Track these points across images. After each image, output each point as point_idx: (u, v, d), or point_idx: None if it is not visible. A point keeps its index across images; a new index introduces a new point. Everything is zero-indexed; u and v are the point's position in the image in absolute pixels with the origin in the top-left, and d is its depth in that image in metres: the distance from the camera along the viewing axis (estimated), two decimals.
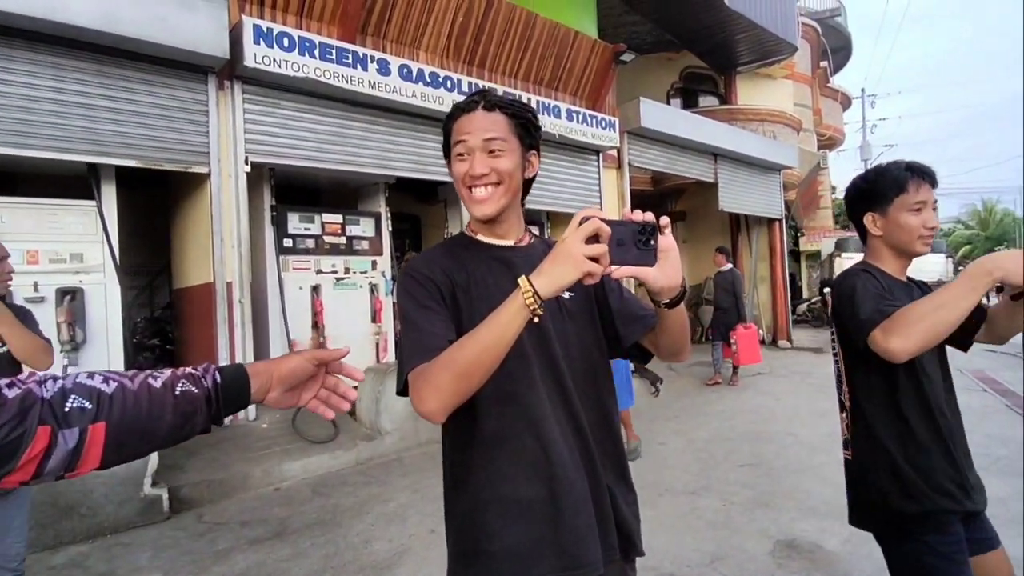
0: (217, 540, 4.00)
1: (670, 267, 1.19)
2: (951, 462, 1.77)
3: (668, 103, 14.70)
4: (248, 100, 5.93)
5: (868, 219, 1.90)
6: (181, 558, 3.77)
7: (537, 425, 1.35)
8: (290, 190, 7.05)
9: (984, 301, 1.72)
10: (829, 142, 24.29)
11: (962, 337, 1.84)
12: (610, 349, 1.50)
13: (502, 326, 1.14)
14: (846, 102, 27.44)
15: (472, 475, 1.38)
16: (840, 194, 34.29)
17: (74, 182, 5.49)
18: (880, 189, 1.87)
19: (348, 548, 3.85)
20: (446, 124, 1.45)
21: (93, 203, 5.32)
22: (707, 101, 15.99)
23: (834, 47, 23.14)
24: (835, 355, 1.96)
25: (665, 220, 1.17)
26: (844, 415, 1.94)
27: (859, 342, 1.70)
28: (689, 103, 15.71)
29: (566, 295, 1.41)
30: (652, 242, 1.15)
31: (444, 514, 1.44)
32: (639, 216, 1.15)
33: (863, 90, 34.02)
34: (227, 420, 5.57)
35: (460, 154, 1.40)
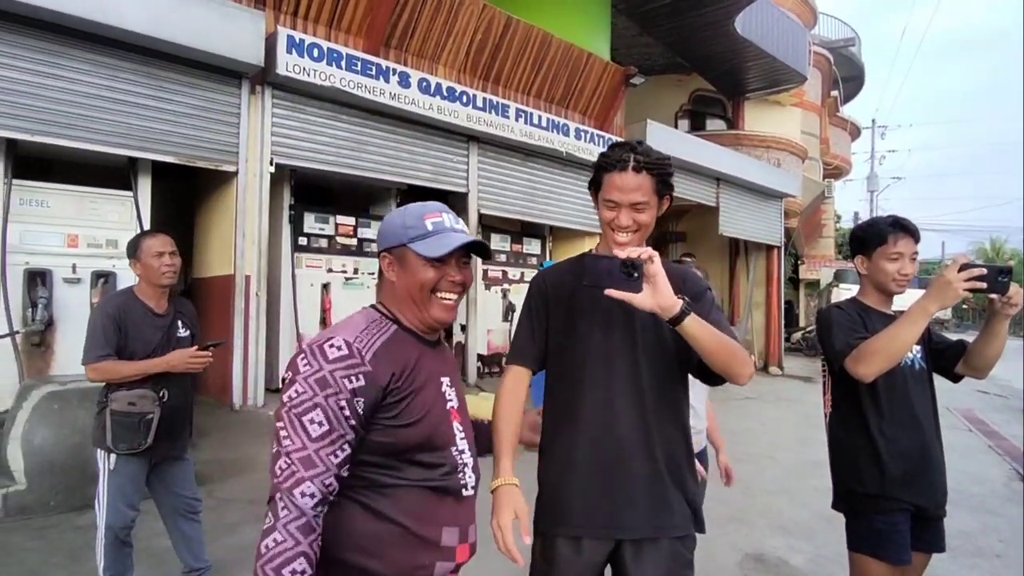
0: (226, 514, 4.34)
1: (656, 292, 1.51)
2: (900, 461, 2.16)
3: (676, 125, 15.05)
4: (276, 105, 6.31)
5: (857, 260, 2.35)
6: None
7: (613, 412, 1.71)
8: (306, 191, 7.41)
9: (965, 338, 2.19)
10: (835, 171, 24.53)
11: (946, 369, 2.30)
12: (684, 366, 1.77)
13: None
14: (855, 132, 27.71)
15: (554, 443, 1.78)
16: (844, 224, 34.58)
17: (110, 173, 5.86)
18: (868, 238, 2.29)
19: None
20: (598, 171, 1.75)
21: (130, 193, 5.70)
22: (715, 124, 16.32)
23: (847, 76, 23.41)
24: (823, 370, 2.43)
25: (648, 253, 1.51)
26: (826, 416, 2.41)
27: (835, 366, 2.21)
28: (697, 125, 16.05)
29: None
30: (635, 274, 1.49)
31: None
32: (622, 254, 1.51)
33: (873, 120, 34.33)
34: (238, 405, 5.90)
35: (609, 204, 1.70)
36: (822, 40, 20.86)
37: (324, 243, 7.08)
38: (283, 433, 1.24)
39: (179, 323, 3.07)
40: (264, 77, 6.13)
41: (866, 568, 2.18)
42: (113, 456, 2.85)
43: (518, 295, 8.73)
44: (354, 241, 7.33)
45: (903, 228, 2.23)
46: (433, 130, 7.53)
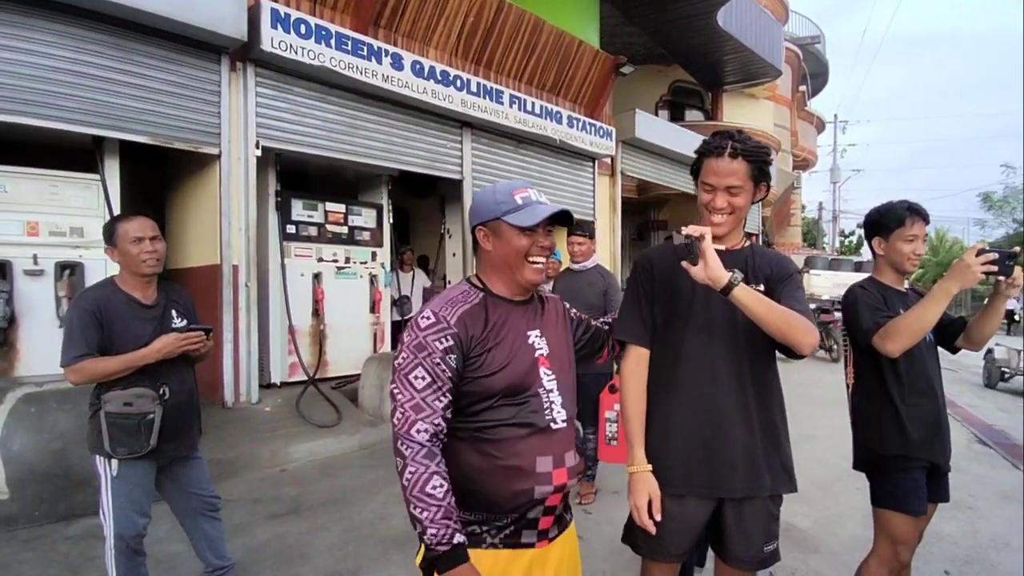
0: (232, 515, 4.01)
1: (706, 267, 1.66)
2: (920, 425, 2.34)
3: (656, 114, 14.99)
4: (261, 84, 5.94)
5: (875, 242, 2.50)
6: None
7: (714, 381, 1.82)
8: (290, 177, 7.04)
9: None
10: (803, 163, 24.96)
11: (947, 342, 2.52)
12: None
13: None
14: (820, 126, 28.22)
15: (659, 411, 1.88)
16: (808, 213, 35.22)
17: (74, 155, 5.43)
18: (886, 221, 2.45)
19: (365, 523, 3.93)
20: (699, 156, 1.87)
21: (96, 177, 5.24)
22: (693, 115, 16.38)
23: (813, 72, 23.81)
24: (845, 345, 2.57)
25: (699, 232, 1.67)
26: (848, 387, 2.54)
27: (862, 342, 2.34)
28: (676, 116, 16.10)
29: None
30: (693, 250, 1.68)
31: None
32: (686, 230, 1.69)
33: (836, 116, 35.06)
34: (230, 402, 5.57)
35: (707, 187, 1.83)
36: (791, 36, 21.10)
37: (314, 231, 6.73)
38: (396, 391, 1.52)
39: (173, 312, 2.74)
40: (246, 53, 5.75)
41: (891, 521, 2.37)
42: (115, 461, 2.54)
43: None
44: (345, 229, 6.99)
45: (918, 212, 2.41)
46: (427, 115, 7.24)
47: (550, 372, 1.63)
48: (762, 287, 1.84)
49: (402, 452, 1.46)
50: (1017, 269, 2.07)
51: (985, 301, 2.39)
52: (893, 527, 2.36)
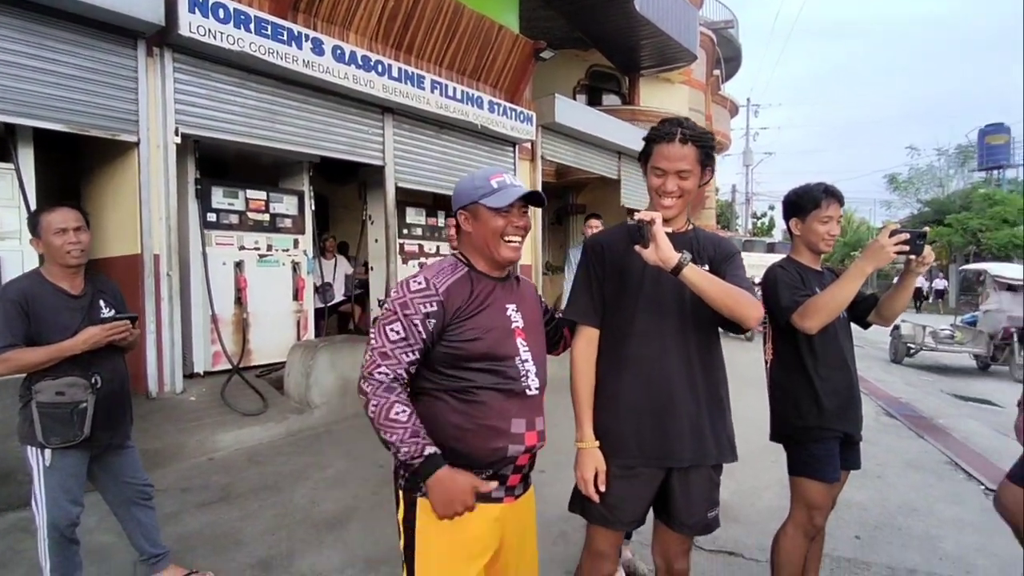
0: (162, 504, 4.01)
1: (657, 248, 1.79)
2: (833, 396, 2.47)
3: (574, 99, 15.25)
4: (179, 70, 5.84)
5: (793, 223, 2.61)
6: None
7: (663, 357, 1.96)
8: (209, 164, 6.92)
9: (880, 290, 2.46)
10: (718, 147, 25.73)
11: (859, 318, 2.64)
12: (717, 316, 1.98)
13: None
14: (734, 110, 29.11)
15: (609, 387, 2.02)
16: (722, 196, 36.45)
17: None
18: (803, 203, 2.55)
19: (297, 509, 4.04)
20: (648, 144, 2.02)
21: (9, 166, 5.10)
22: (610, 100, 16.72)
23: (726, 57, 24.53)
24: (763, 323, 2.58)
25: (650, 216, 1.81)
26: (767, 363, 2.68)
27: (782, 320, 2.44)
28: (594, 100, 16.39)
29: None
30: (644, 233, 1.81)
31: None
32: (637, 215, 1.85)
33: (748, 100, 36.26)
34: (154, 392, 5.54)
35: (657, 172, 1.98)
36: (705, 21, 21.67)
37: (235, 219, 6.67)
38: (372, 337, 1.72)
39: (100, 303, 2.80)
40: (163, 38, 5.63)
41: (806, 488, 2.51)
42: (48, 451, 2.60)
43: None
44: (266, 217, 6.95)
45: (833, 195, 2.52)
46: (348, 100, 7.24)
47: (525, 343, 1.80)
48: (707, 267, 1.97)
49: (364, 390, 1.66)
50: (927, 248, 2.19)
51: (894, 280, 2.52)
52: (809, 493, 2.49)
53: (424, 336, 1.69)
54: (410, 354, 1.69)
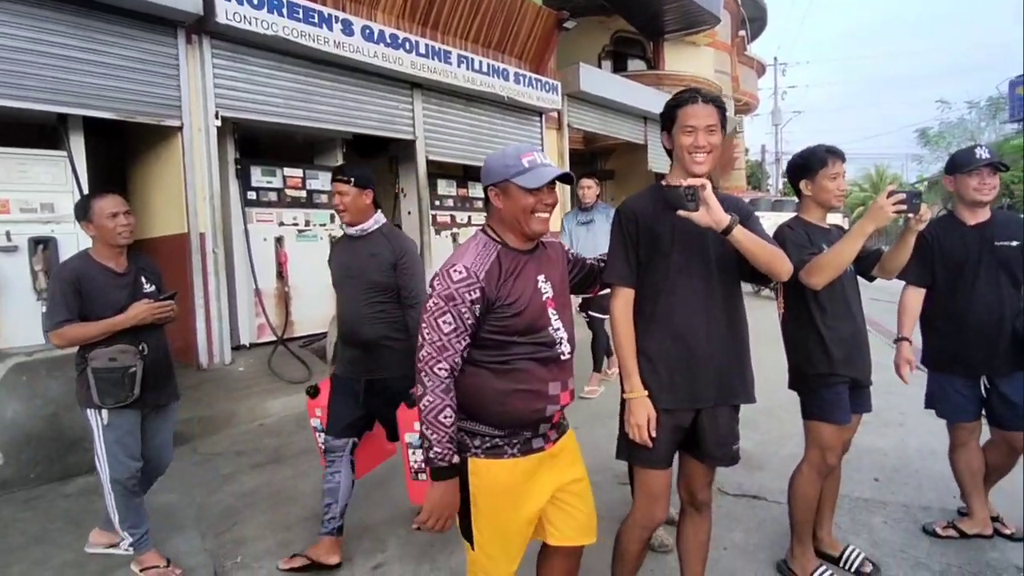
0: (219, 467, 4.42)
1: (710, 211, 1.95)
2: (841, 345, 2.65)
3: (600, 65, 15.21)
4: (217, 56, 6.10)
5: (803, 184, 2.77)
6: (190, 481, 4.16)
7: (692, 312, 2.13)
8: (247, 144, 7.19)
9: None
10: (745, 107, 25.38)
11: (865, 272, 2.83)
12: (741, 273, 2.20)
13: None
14: (761, 70, 28.60)
15: (646, 340, 2.18)
16: (751, 156, 35.96)
17: (37, 133, 5.55)
18: (810, 164, 2.73)
19: None
20: (672, 107, 2.16)
21: (62, 153, 5.40)
22: (635, 65, 16.60)
23: (751, 17, 24.06)
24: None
25: (701, 182, 1.96)
26: (780, 316, 2.87)
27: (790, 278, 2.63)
28: (619, 67, 16.29)
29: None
30: (694, 198, 1.96)
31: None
32: (685, 182, 2.00)
33: (775, 59, 35.50)
34: (205, 364, 5.87)
35: (688, 129, 2.09)
36: None
37: (274, 196, 6.96)
38: (425, 330, 1.82)
39: (143, 279, 3.07)
40: (202, 26, 5.89)
41: (819, 431, 2.72)
42: (104, 412, 2.89)
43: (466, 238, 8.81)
44: (303, 193, 7.23)
45: (835, 153, 2.70)
46: (378, 78, 7.45)
47: (555, 312, 1.94)
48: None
49: (424, 383, 1.80)
50: (923, 206, 2.31)
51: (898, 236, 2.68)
52: (821, 436, 2.70)
53: (472, 321, 1.81)
54: (464, 340, 1.82)
